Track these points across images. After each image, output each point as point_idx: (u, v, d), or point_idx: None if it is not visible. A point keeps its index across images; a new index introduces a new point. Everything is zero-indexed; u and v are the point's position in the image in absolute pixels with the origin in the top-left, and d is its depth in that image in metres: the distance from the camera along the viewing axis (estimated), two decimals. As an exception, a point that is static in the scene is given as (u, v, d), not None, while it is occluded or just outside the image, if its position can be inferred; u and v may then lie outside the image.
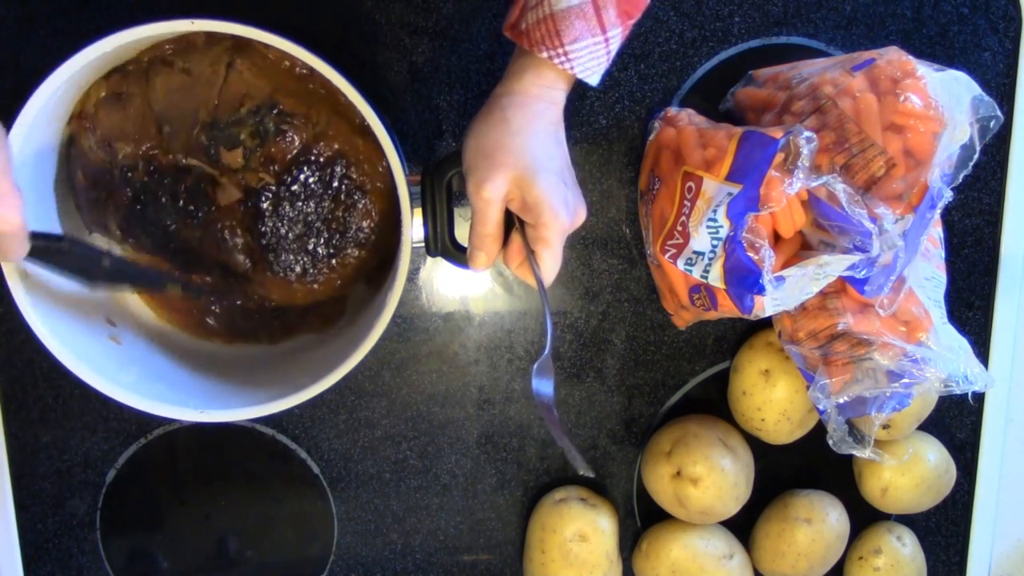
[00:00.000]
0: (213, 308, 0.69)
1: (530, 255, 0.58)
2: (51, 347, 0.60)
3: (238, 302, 0.68)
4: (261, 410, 0.62)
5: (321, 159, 0.63)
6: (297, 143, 0.63)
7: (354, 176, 0.64)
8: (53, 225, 0.65)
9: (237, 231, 0.65)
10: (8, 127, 0.57)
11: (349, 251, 0.66)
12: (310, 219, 0.64)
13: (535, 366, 0.59)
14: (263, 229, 0.64)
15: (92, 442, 0.76)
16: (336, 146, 0.63)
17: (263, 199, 0.63)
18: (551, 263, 0.58)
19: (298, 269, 0.65)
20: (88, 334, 0.65)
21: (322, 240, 0.65)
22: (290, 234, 0.64)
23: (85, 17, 0.69)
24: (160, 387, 0.64)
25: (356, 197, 0.64)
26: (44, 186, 0.65)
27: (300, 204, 0.64)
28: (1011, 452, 0.83)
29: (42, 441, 0.76)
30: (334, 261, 0.66)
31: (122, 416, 0.76)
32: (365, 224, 0.65)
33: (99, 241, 0.68)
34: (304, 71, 0.64)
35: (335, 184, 0.64)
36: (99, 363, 0.62)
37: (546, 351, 0.59)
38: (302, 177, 0.63)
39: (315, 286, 0.66)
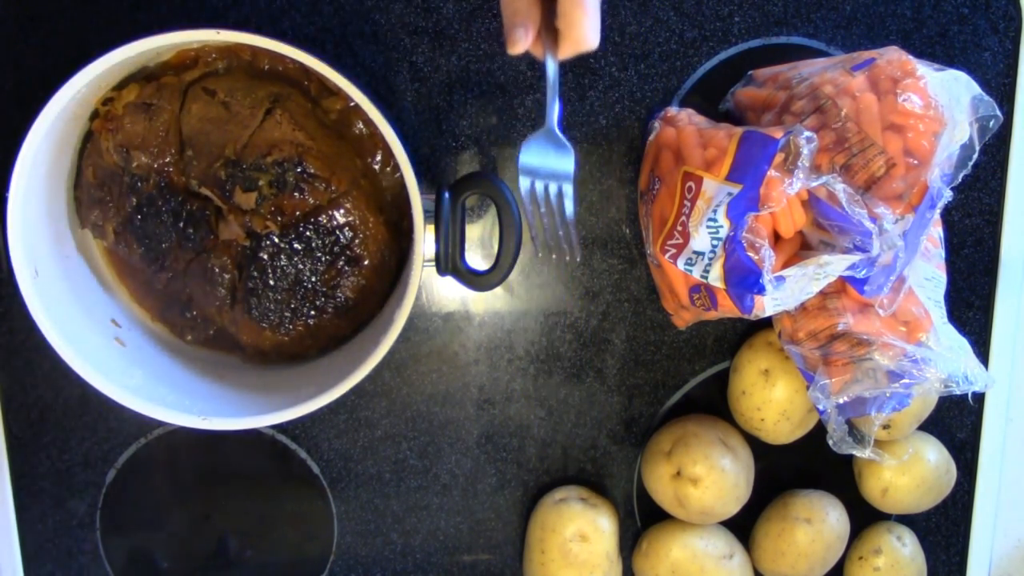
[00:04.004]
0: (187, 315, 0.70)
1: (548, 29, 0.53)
2: (59, 348, 0.61)
3: (211, 331, 0.70)
4: (264, 420, 0.63)
5: (329, 224, 0.64)
6: (311, 203, 0.64)
7: (356, 249, 0.65)
8: (63, 220, 0.66)
9: (228, 266, 0.66)
10: (28, 125, 0.57)
11: (327, 316, 0.67)
12: (301, 276, 0.65)
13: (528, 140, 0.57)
14: (253, 272, 0.65)
15: (92, 442, 0.76)
16: (347, 217, 0.65)
17: (263, 245, 0.64)
18: (588, 20, 0.51)
19: (274, 319, 0.66)
20: (94, 335, 0.65)
21: (306, 300, 0.66)
22: (277, 285, 0.65)
23: (85, 17, 0.70)
24: (164, 391, 0.64)
25: (350, 268, 0.66)
26: (58, 181, 0.65)
27: (296, 260, 0.65)
28: (1011, 452, 0.83)
29: (42, 441, 0.76)
30: (311, 322, 0.67)
31: (122, 416, 0.76)
32: (351, 295, 0.66)
33: (90, 239, 0.68)
34: (345, 127, 0.65)
35: (335, 250, 0.65)
36: (105, 365, 0.63)
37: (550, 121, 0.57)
38: (306, 235, 0.64)
39: (285, 338, 0.67)
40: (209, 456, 0.77)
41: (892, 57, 0.60)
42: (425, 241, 0.61)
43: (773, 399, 0.73)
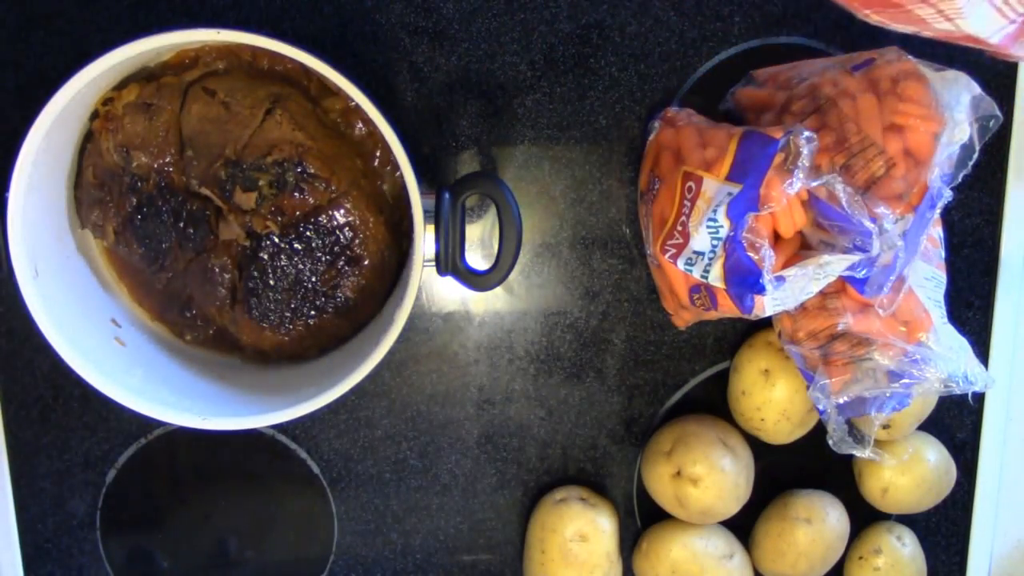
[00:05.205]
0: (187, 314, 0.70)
1: None
2: (59, 348, 0.61)
3: (211, 331, 0.69)
4: (265, 420, 0.63)
5: (329, 224, 0.64)
6: (311, 203, 0.64)
7: (356, 249, 0.65)
8: (63, 220, 0.66)
9: (228, 266, 0.66)
10: (28, 125, 0.57)
11: (327, 316, 0.67)
12: (301, 276, 0.65)
13: None
14: (254, 272, 0.65)
15: (92, 442, 0.76)
16: (347, 217, 0.65)
17: (263, 245, 0.64)
18: None
19: (274, 319, 0.66)
20: (94, 335, 0.65)
21: (306, 300, 0.66)
22: (278, 285, 0.65)
23: (85, 17, 0.70)
24: (164, 391, 0.64)
25: (351, 268, 0.66)
26: (58, 181, 0.65)
27: (296, 260, 0.65)
28: (1011, 452, 0.83)
29: (42, 441, 0.76)
30: (311, 322, 0.67)
31: (122, 416, 0.76)
32: (351, 295, 0.66)
33: (90, 239, 0.68)
34: (345, 127, 0.65)
35: (335, 250, 0.65)
36: (105, 365, 0.63)
37: None
38: (306, 235, 0.64)
39: (285, 338, 0.67)
40: (209, 456, 0.77)
41: (892, 57, 0.60)
42: (425, 241, 0.61)
43: (773, 399, 0.73)
